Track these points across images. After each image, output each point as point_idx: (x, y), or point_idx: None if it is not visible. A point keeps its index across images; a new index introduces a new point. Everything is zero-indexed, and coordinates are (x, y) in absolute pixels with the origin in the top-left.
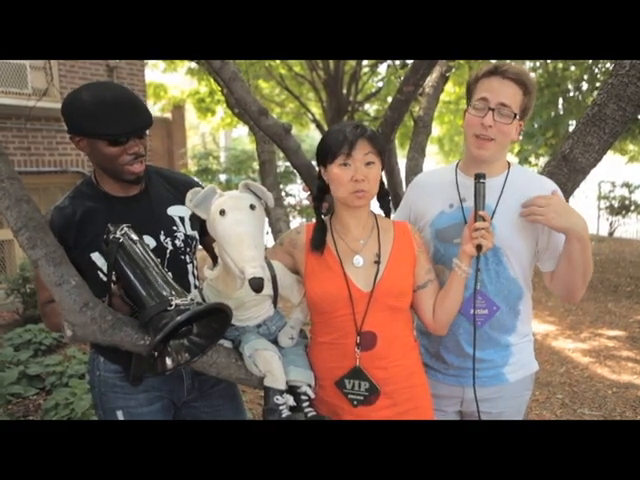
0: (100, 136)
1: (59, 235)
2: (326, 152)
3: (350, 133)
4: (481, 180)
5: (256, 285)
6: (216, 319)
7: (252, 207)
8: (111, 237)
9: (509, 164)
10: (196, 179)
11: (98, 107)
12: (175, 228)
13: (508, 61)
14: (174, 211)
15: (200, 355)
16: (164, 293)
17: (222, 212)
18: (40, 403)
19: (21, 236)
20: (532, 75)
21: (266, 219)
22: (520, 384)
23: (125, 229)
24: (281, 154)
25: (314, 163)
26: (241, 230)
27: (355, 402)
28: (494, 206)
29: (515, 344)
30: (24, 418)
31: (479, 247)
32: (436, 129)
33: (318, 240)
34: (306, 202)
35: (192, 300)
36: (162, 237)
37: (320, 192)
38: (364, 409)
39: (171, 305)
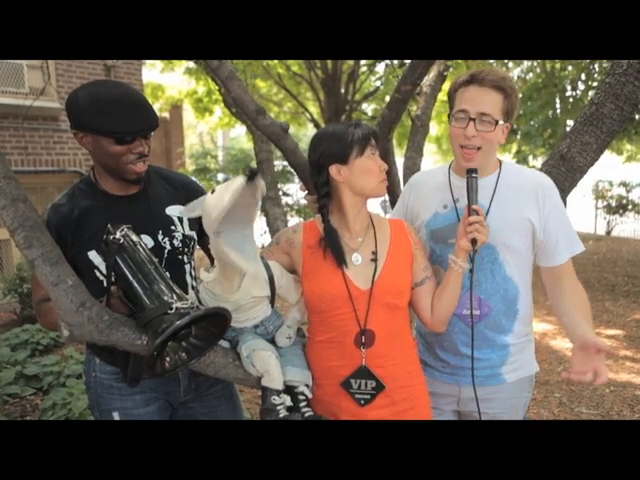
0: (108, 133)
1: (57, 233)
2: (349, 147)
3: (366, 127)
4: (473, 175)
5: (252, 172)
6: (215, 323)
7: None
8: (111, 238)
9: (500, 162)
10: (194, 178)
11: (110, 104)
12: (173, 228)
13: (491, 61)
14: (172, 211)
15: (198, 357)
16: (164, 296)
17: (213, 191)
18: (37, 403)
19: (17, 236)
20: (512, 76)
21: (264, 219)
22: (518, 385)
23: (125, 230)
24: (279, 153)
25: None
26: (233, 179)
27: (362, 401)
28: (488, 205)
29: (513, 344)
30: (21, 418)
31: (474, 241)
32: (434, 128)
33: (340, 253)
34: (304, 202)
35: (192, 304)
36: (160, 237)
37: (327, 195)
38: (362, 408)
39: (171, 308)
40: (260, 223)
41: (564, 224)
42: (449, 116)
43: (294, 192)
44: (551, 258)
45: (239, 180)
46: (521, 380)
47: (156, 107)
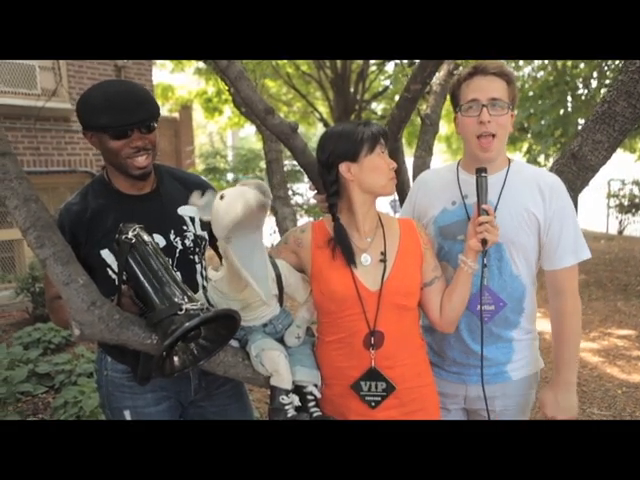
0: (102, 129)
1: (70, 231)
2: (359, 145)
3: (375, 126)
4: (482, 174)
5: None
6: (224, 325)
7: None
8: (123, 237)
9: (509, 160)
10: (204, 178)
11: (101, 101)
12: (185, 228)
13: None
14: (184, 211)
15: (207, 358)
16: (174, 297)
17: (222, 197)
18: (49, 401)
19: (29, 235)
20: (523, 74)
21: (273, 218)
22: (524, 382)
23: (137, 230)
24: (288, 153)
25: None
26: (244, 189)
27: (373, 404)
28: (496, 202)
29: (518, 340)
30: (34, 416)
31: (484, 241)
32: (444, 127)
33: (349, 252)
34: (313, 201)
35: (202, 305)
36: (172, 236)
37: (336, 193)
38: (370, 409)
39: (181, 309)
40: (269, 222)
41: (570, 227)
42: (455, 112)
43: (304, 191)
44: (552, 260)
45: (251, 193)
46: (527, 377)
47: (166, 107)
